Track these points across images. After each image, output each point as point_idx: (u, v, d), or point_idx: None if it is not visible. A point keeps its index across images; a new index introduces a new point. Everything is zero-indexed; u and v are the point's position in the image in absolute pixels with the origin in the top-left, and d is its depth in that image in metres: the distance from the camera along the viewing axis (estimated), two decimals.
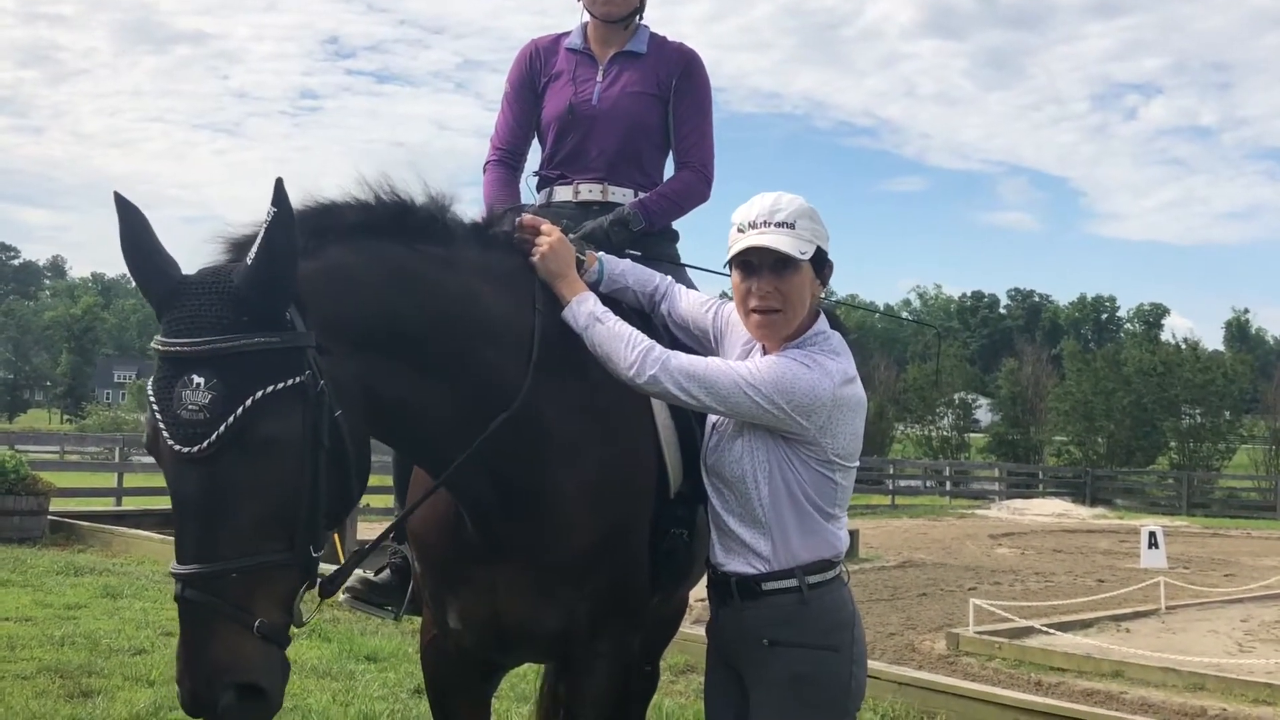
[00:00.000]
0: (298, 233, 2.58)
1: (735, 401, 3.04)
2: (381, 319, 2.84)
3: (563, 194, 4.11)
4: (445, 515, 3.27)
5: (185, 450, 2.47)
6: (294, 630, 2.66)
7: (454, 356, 2.99)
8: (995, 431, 57.69)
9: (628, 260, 3.66)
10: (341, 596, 3.73)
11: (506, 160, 4.21)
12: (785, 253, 3.06)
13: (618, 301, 3.52)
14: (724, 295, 3.68)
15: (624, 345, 3.12)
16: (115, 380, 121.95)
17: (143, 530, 14.80)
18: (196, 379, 2.48)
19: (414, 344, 2.90)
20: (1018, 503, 36.27)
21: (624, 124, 4.07)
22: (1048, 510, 34.21)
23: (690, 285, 3.83)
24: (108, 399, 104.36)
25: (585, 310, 3.20)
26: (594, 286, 3.43)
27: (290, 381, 2.54)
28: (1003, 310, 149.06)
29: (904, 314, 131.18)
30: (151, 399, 2.53)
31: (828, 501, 3.13)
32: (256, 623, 2.51)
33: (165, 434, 2.49)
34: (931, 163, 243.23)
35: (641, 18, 4.22)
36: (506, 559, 3.22)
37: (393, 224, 2.98)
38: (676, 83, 4.11)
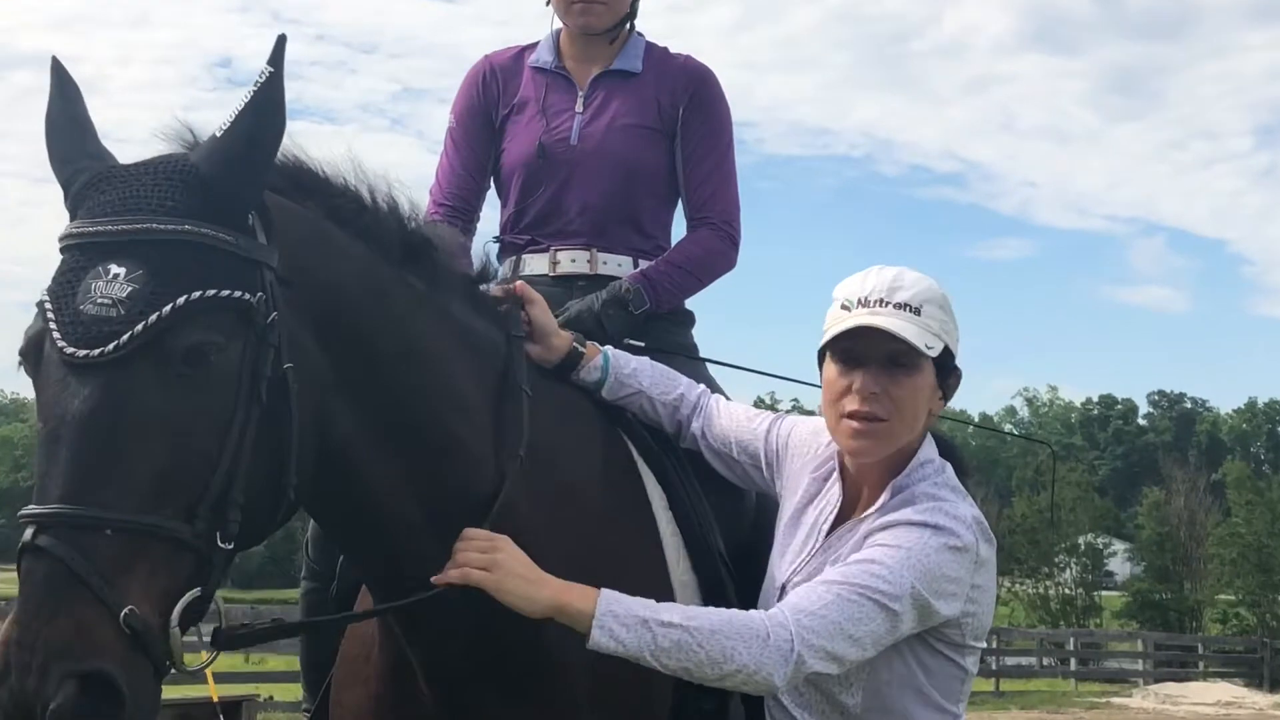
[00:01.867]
0: (286, 113, 2.64)
1: (883, 633, 2.94)
2: (349, 316, 2.87)
3: (536, 265, 4.14)
4: (384, 698, 3.27)
5: (82, 354, 2.44)
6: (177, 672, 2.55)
7: (418, 419, 3.01)
8: (1136, 589, 57.53)
9: (644, 358, 3.65)
10: None
11: (453, 219, 4.19)
12: (908, 341, 3.03)
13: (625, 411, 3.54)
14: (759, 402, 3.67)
15: (739, 640, 2.84)
16: None
17: None
18: (115, 269, 2.49)
19: (373, 378, 2.91)
20: (1170, 687, 35.98)
21: (615, 169, 4.10)
22: (1211, 697, 33.91)
23: (711, 385, 3.84)
24: None
25: (636, 616, 2.86)
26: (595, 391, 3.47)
27: (236, 294, 2.54)
28: (1143, 421, 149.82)
29: (1006, 426, 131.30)
30: (46, 301, 2.52)
31: (951, 697, 3.14)
32: (124, 611, 2.36)
33: (56, 335, 2.47)
34: (1039, 220, 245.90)
35: (633, 25, 4.25)
36: None
37: (388, 235, 3.06)
38: (684, 111, 4.15)
